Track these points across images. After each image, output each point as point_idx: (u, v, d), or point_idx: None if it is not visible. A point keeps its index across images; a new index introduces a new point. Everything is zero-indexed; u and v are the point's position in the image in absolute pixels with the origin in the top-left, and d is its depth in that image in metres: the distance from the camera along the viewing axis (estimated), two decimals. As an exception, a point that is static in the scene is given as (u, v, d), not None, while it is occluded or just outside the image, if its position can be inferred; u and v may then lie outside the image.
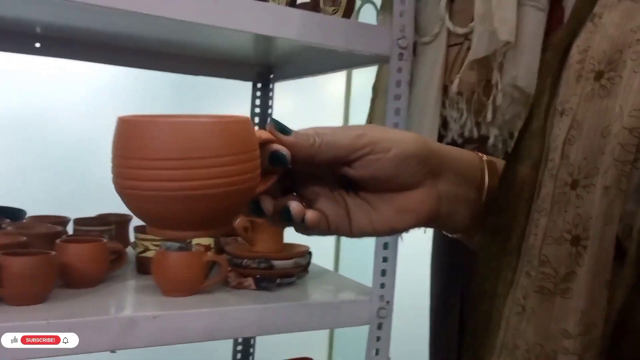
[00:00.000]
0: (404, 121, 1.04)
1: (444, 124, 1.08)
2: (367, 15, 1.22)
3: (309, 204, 0.51)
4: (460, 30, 0.99)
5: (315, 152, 0.48)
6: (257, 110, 1.62)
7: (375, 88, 1.23)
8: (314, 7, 1.01)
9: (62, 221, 1.25)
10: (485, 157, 0.56)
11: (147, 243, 1.14)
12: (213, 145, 0.44)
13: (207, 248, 1.12)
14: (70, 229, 1.23)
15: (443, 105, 1.05)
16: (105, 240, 1.05)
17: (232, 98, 1.75)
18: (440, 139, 1.08)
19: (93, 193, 1.72)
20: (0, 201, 1.32)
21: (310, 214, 0.49)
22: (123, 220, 1.35)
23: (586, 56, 0.45)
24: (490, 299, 0.50)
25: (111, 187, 0.46)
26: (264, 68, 1.56)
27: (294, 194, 0.52)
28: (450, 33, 1.03)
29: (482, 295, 0.51)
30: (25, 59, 1.33)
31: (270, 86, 1.60)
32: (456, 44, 1.02)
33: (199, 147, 0.43)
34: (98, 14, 0.94)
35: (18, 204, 1.33)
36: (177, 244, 1.04)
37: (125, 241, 1.34)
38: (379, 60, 1.09)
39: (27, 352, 0.79)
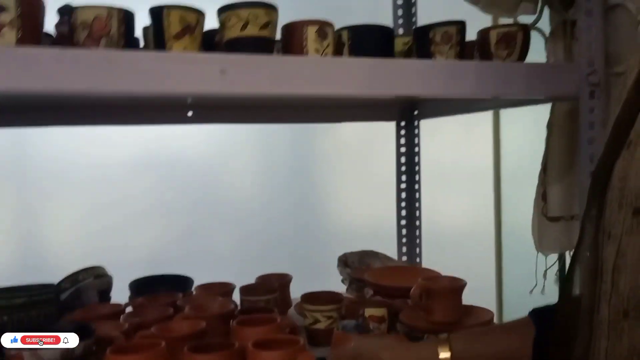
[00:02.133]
0: (602, 168, 0.89)
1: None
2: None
3: None
4: (671, 60, 0.83)
5: None
6: (403, 149, 1.53)
7: (551, 125, 1.08)
8: (483, 51, 0.90)
9: (228, 290, 1.24)
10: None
11: (316, 314, 1.09)
12: None
13: (381, 319, 1.04)
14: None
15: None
16: (278, 319, 1.01)
17: (376, 139, 1.68)
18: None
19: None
20: (167, 266, 1.35)
21: None
22: (284, 283, 1.32)
23: (625, 185, 0.49)
24: None
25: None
26: (407, 105, 1.48)
27: None
28: (653, 61, 0.87)
29: None
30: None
31: (415, 123, 1.51)
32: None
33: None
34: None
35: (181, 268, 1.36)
36: (354, 322, 0.98)
37: (287, 302, 1.32)
38: (564, 99, 0.96)
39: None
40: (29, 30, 0.72)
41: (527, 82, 0.86)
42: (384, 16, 1.36)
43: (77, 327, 0.88)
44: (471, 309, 1.09)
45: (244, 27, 0.77)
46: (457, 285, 1.02)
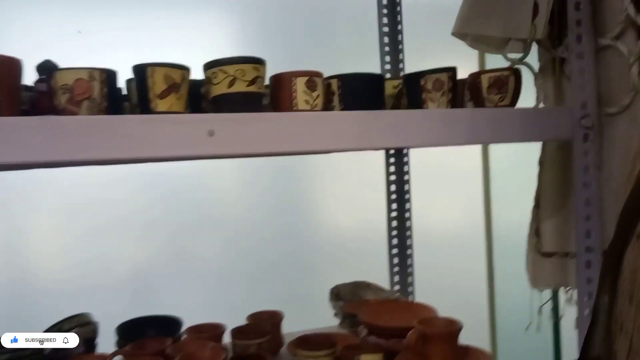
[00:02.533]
0: (597, 212, 0.88)
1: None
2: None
3: None
4: (665, 105, 0.83)
5: None
6: (393, 177, 1.51)
7: (542, 161, 1.08)
8: (474, 95, 0.88)
9: (219, 333, 1.21)
10: None
11: (311, 360, 1.06)
12: None
13: (378, 365, 1.02)
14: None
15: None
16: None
17: (365, 168, 1.67)
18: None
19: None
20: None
21: None
22: (276, 322, 1.29)
23: (636, 278, 0.50)
24: None
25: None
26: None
27: None
28: (646, 104, 0.86)
29: None
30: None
31: (405, 151, 1.49)
32: (658, 118, 0.85)
33: None
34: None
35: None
36: (351, 372, 0.95)
37: (279, 343, 1.29)
38: (556, 140, 0.95)
39: None
40: (6, 93, 0.69)
41: (520, 128, 0.84)
42: (370, 57, 1.36)
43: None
44: (467, 350, 1.08)
45: (231, 83, 0.75)
46: (453, 329, 1.00)
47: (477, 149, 2.09)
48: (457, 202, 2.06)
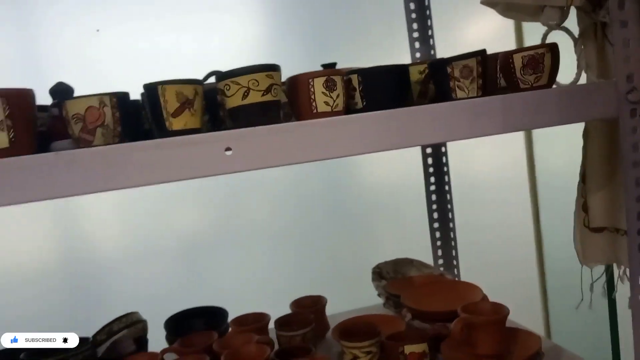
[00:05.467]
0: (650, 192, 0.82)
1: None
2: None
3: None
4: None
5: None
6: (429, 159, 1.46)
7: (587, 132, 1.00)
8: (508, 77, 0.82)
9: (264, 324, 1.22)
10: None
11: (355, 351, 1.06)
12: None
13: (422, 355, 1.01)
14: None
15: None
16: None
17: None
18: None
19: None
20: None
21: None
22: (320, 308, 1.29)
23: None
24: None
25: None
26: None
27: None
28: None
29: None
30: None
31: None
32: None
33: None
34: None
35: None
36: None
37: (324, 327, 1.29)
38: (601, 118, 0.88)
39: None
40: (22, 127, 0.68)
41: (560, 109, 0.78)
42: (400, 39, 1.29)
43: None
44: (516, 333, 1.05)
45: (245, 95, 0.71)
46: (500, 317, 0.97)
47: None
48: (498, 156, 1.98)
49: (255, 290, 1.70)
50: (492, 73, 0.88)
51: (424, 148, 1.47)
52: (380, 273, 1.45)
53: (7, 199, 0.63)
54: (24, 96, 0.70)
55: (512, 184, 1.96)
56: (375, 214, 1.87)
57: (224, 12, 1.58)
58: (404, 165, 1.67)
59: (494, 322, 0.96)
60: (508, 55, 0.82)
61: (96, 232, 1.66)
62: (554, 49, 0.81)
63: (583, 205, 1.04)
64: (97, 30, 1.41)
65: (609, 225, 1.02)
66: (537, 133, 1.93)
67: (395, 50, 1.36)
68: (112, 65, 1.42)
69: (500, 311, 0.98)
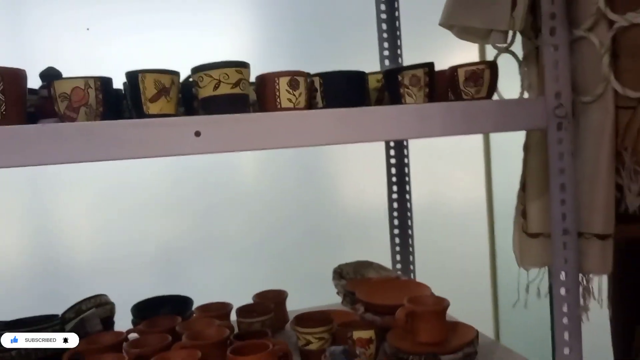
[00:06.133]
0: (572, 197, 0.92)
1: (619, 188, 0.95)
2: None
3: None
4: (633, 94, 0.86)
5: None
6: (393, 160, 1.56)
7: (527, 146, 1.11)
8: (453, 88, 0.93)
9: (226, 311, 1.29)
10: None
11: (308, 337, 1.14)
12: None
13: (369, 341, 1.09)
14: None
15: (617, 172, 0.91)
16: (271, 345, 1.06)
17: (366, 159, 1.71)
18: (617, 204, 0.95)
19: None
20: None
21: None
22: (280, 300, 1.37)
23: None
24: None
25: None
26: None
27: None
28: (617, 93, 0.89)
29: None
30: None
31: (405, 143, 1.53)
32: (629, 107, 0.88)
33: None
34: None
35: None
36: (341, 347, 1.03)
37: (284, 319, 1.37)
38: (531, 129, 0.98)
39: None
40: (13, 102, 0.76)
41: (496, 119, 0.88)
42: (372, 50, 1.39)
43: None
44: (455, 325, 1.14)
45: (216, 86, 0.80)
46: (440, 307, 1.06)
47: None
48: (459, 181, 2.09)
49: (222, 287, 1.76)
50: (442, 86, 0.98)
51: (388, 160, 1.57)
52: (340, 273, 1.54)
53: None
54: (17, 75, 0.78)
55: (470, 197, 2.08)
56: (341, 221, 1.97)
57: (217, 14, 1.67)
58: (370, 176, 1.76)
59: (434, 312, 1.06)
60: (453, 70, 0.92)
61: (69, 235, 1.71)
62: (492, 66, 0.92)
63: (522, 212, 1.15)
64: (87, 29, 1.50)
65: (544, 231, 1.12)
66: (495, 150, 2.05)
67: (367, 55, 1.45)
68: (101, 62, 1.49)
69: (441, 303, 1.07)
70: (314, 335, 1.14)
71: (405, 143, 1.54)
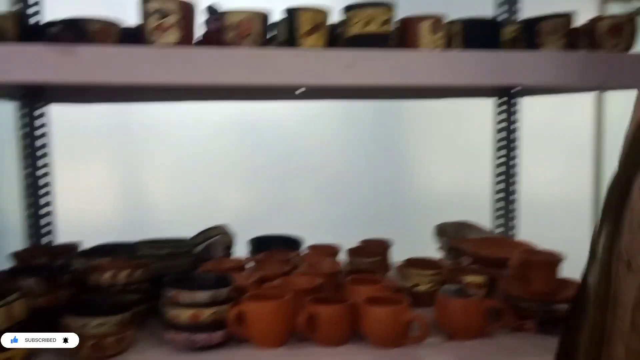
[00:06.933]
0: None
1: None
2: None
3: None
4: None
5: None
6: (502, 125, 1.57)
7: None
8: (591, 41, 0.94)
9: (335, 251, 1.38)
10: None
11: (418, 278, 1.19)
12: None
13: (480, 286, 1.14)
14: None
15: None
16: (383, 279, 1.13)
17: (474, 116, 1.72)
18: None
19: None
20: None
21: None
22: (386, 247, 1.44)
23: None
24: None
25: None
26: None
27: None
28: None
29: None
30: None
31: (513, 101, 1.54)
32: None
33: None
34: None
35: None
36: (454, 287, 1.08)
37: (387, 266, 1.44)
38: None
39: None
40: (187, 30, 0.87)
41: (635, 73, 0.89)
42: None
43: (218, 277, 1.05)
44: (567, 282, 1.15)
45: (367, 24, 0.87)
46: (555, 259, 1.09)
47: (589, 109, 2.05)
48: (566, 162, 2.05)
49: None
50: (575, 40, 0.99)
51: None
52: (443, 231, 1.58)
53: (169, 78, 0.81)
54: (191, 7, 0.88)
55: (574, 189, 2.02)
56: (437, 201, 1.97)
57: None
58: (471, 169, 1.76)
59: (549, 262, 1.08)
60: (593, 22, 0.93)
61: (153, 196, 1.83)
62: (633, 20, 0.92)
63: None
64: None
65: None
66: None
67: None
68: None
69: (555, 255, 1.10)
70: (425, 277, 1.19)
71: (514, 109, 1.54)
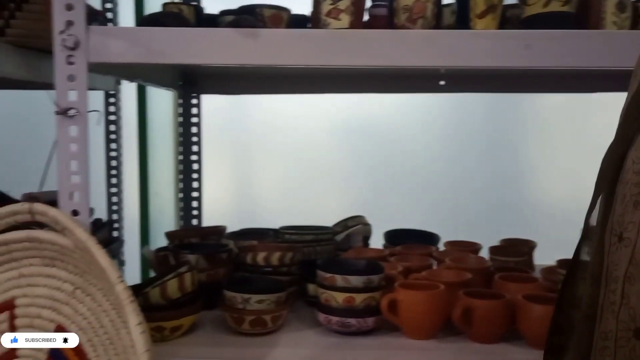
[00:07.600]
0: None
1: None
2: None
3: None
4: None
5: None
6: None
7: None
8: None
9: (476, 248, 1.33)
10: None
11: (573, 280, 1.12)
12: None
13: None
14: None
15: None
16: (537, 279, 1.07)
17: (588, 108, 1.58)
18: None
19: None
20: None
21: None
22: (531, 247, 1.36)
23: None
24: None
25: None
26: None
27: None
28: None
29: None
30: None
31: None
32: None
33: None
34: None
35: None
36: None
37: (531, 267, 1.36)
38: None
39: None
40: (357, 15, 0.87)
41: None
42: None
43: (369, 264, 1.05)
44: None
45: (547, 3, 0.83)
46: None
47: None
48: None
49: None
50: None
51: None
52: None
53: (347, 60, 0.81)
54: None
55: None
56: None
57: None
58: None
59: None
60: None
61: (262, 199, 1.87)
62: None
63: None
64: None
65: None
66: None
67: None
68: None
69: None
70: (580, 279, 1.12)
71: None
